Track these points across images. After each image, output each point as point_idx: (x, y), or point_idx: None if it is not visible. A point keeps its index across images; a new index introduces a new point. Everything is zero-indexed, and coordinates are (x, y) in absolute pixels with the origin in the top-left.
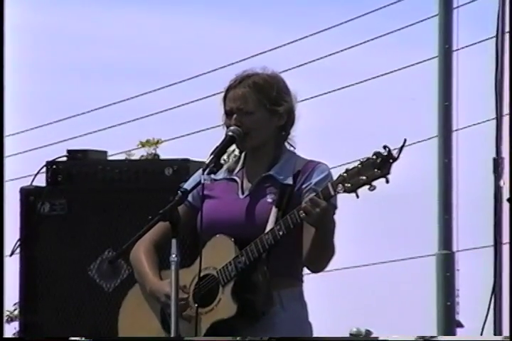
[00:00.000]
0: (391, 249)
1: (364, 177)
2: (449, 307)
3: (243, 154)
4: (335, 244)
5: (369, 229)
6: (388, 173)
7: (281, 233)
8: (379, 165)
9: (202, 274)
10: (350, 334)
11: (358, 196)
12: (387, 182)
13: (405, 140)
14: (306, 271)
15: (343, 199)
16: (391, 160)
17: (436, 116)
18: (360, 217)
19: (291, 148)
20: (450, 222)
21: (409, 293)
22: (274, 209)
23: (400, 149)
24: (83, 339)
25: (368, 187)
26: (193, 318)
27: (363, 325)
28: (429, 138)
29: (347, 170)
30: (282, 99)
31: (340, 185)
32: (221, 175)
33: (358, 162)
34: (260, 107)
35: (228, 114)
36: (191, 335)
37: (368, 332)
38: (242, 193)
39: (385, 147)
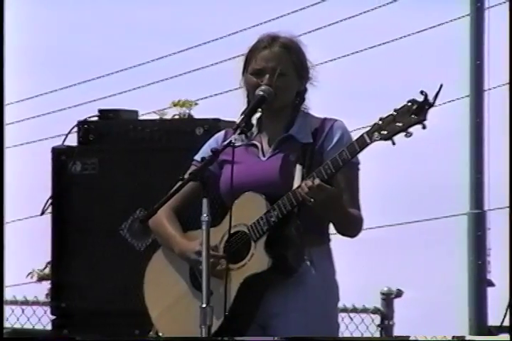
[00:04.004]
0: (423, 208)
1: (400, 124)
2: (480, 266)
3: (256, 119)
4: (353, 212)
5: (402, 188)
6: (425, 119)
7: None
8: (415, 111)
9: (232, 231)
10: (382, 294)
11: (394, 143)
12: (424, 127)
13: (441, 85)
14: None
15: (373, 158)
16: (427, 107)
17: (468, 75)
18: (393, 176)
19: (305, 110)
20: (482, 181)
21: (441, 252)
22: (298, 167)
23: (436, 95)
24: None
25: (404, 134)
26: (225, 274)
27: (393, 285)
28: (460, 98)
29: (381, 118)
30: (307, 63)
31: (376, 133)
32: (238, 142)
33: (393, 110)
34: (292, 69)
35: (257, 73)
36: (223, 292)
37: (399, 292)
38: (264, 156)
39: (421, 92)
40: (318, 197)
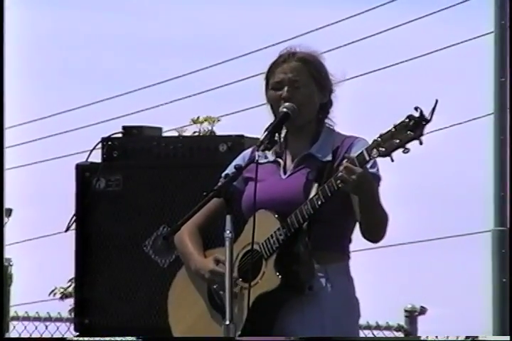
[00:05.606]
0: (447, 225)
1: (397, 140)
2: (504, 284)
3: (283, 134)
4: (384, 208)
5: (427, 205)
6: (421, 135)
7: (319, 202)
8: (412, 128)
9: (246, 250)
10: (405, 311)
11: (392, 160)
12: (421, 143)
13: (437, 101)
14: (353, 247)
15: (399, 175)
16: (423, 122)
17: (492, 92)
18: (418, 192)
19: (331, 126)
20: (506, 198)
21: (465, 269)
22: (315, 185)
23: (432, 111)
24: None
25: (402, 150)
26: (239, 294)
27: (417, 302)
28: (485, 115)
29: (381, 135)
30: (328, 76)
31: (374, 150)
32: (263, 159)
33: (392, 126)
34: (311, 81)
35: (277, 87)
36: (238, 311)
37: (423, 309)
38: (285, 173)
39: (416, 108)
40: (351, 180)
